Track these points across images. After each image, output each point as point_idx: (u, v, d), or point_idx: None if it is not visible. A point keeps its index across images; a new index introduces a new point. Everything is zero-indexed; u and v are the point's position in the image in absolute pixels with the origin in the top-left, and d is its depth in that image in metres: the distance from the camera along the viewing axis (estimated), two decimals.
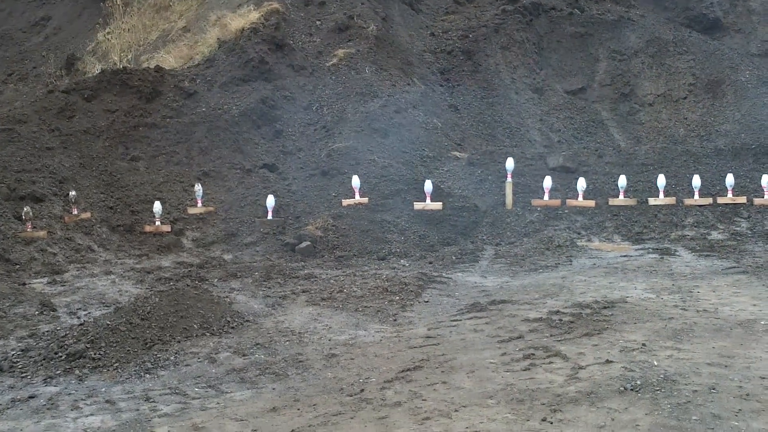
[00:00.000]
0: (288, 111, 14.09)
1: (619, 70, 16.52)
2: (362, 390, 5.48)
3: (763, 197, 11.33)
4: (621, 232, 10.93)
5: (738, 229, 10.79)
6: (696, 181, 11.49)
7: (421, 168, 12.77)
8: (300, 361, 6.25)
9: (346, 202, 11.59)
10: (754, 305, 7.18)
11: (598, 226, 11.12)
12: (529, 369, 5.68)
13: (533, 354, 6.00)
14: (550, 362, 5.79)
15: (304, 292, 8.56)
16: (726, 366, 5.50)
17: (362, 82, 14.47)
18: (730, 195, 11.44)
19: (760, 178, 11.41)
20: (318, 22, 16.22)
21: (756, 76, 15.89)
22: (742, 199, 11.39)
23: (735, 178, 11.55)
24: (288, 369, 6.09)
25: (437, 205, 11.38)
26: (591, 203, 11.63)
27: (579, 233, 10.92)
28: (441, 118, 14.55)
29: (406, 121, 13.73)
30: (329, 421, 4.96)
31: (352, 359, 6.23)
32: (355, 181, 11.57)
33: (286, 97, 14.27)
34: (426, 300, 8.11)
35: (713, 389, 5.04)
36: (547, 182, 11.78)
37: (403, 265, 9.84)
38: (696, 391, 5.03)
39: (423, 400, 5.20)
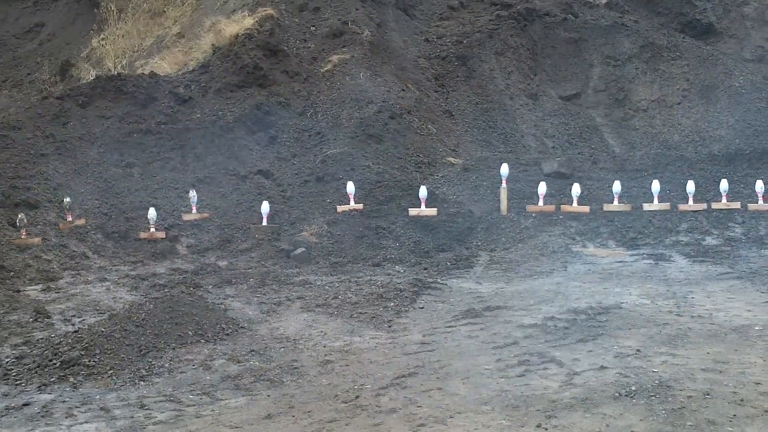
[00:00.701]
0: (282, 117, 14.08)
1: (614, 76, 16.56)
2: (357, 396, 5.48)
3: (757, 202, 11.35)
4: (616, 238, 10.95)
5: (732, 234, 10.81)
6: (690, 186, 11.50)
7: (415, 174, 12.77)
8: (295, 368, 6.24)
9: (341, 208, 11.58)
10: (749, 311, 7.20)
11: (592, 231, 11.13)
12: (524, 375, 5.69)
13: (528, 360, 6.01)
14: (545, 368, 5.80)
15: (299, 298, 8.55)
16: (721, 371, 5.52)
17: (357, 87, 14.46)
18: (724, 200, 11.45)
19: (754, 184, 11.42)
20: (312, 28, 16.22)
21: (750, 81, 15.94)
22: (737, 205, 11.40)
23: (729, 184, 11.55)
24: (283, 376, 6.08)
25: (432, 211, 11.37)
26: (585, 209, 11.63)
27: (574, 239, 10.92)
28: (435, 124, 14.56)
29: (401, 126, 13.74)
30: (324, 428, 4.96)
31: (347, 366, 6.23)
32: (350, 187, 11.57)
33: (281, 103, 14.26)
34: (421, 306, 8.10)
35: (708, 395, 5.05)
36: (542, 188, 11.78)
37: (398, 271, 9.83)
38: (691, 396, 5.05)
39: (418, 406, 5.20)
